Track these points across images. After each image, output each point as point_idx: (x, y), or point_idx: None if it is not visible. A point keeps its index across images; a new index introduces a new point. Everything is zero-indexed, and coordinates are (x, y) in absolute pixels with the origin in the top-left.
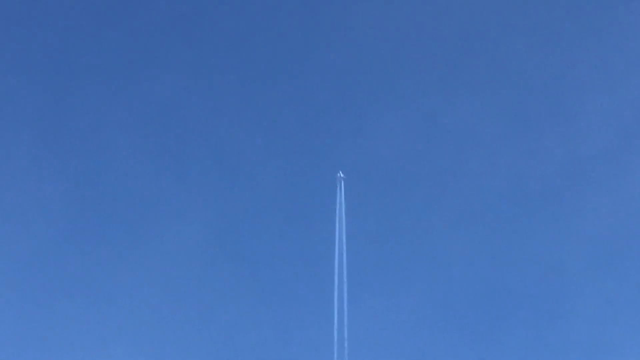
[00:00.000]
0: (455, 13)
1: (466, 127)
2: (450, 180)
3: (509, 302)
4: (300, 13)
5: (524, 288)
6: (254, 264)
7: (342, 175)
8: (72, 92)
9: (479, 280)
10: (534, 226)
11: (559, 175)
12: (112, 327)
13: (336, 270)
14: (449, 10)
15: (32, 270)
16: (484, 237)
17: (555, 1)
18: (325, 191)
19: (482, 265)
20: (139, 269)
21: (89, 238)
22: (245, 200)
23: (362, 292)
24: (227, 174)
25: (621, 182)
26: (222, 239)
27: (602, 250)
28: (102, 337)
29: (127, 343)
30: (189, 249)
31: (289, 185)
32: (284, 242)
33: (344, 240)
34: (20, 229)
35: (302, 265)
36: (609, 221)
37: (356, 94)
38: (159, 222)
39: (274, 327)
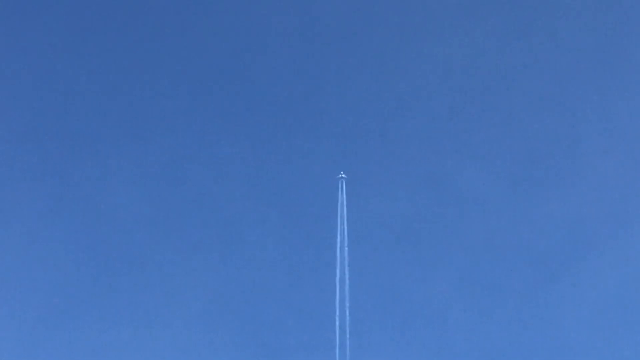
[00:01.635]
0: (463, 82)
1: (471, 190)
2: (454, 241)
3: None
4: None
5: (524, 351)
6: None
7: (343, 175)
8: (81, 162)
9: (479, 345)
10: (536, 289)
11: (562, 238)
12: None
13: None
14: (457, 79)
15: (33, 344)
16: (487, 300)
17: (556, 74)
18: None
19: (483, 328)
20: (146, 340)
21: (94, 308)
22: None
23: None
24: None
25: (623, 245)
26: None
27: (606, 313)
28: None
29: None
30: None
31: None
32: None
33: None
34: (22, 298)
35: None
36: (611, 283)
37: (365, 161)
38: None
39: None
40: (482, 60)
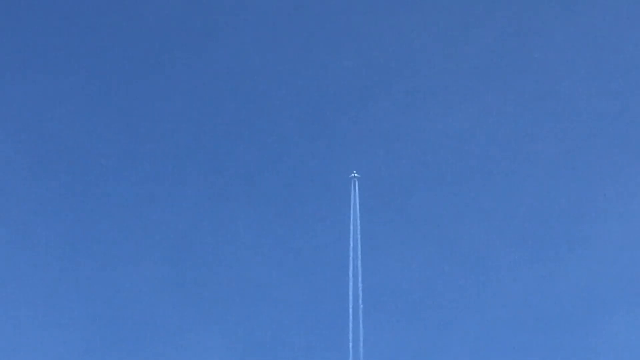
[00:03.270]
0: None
1: (483, 254)
2: (466, 304)
3: None
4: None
5: None
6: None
7: (356, 174)
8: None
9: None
10: (549, 352)
11: (575, 301)
12: None
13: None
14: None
15: (33, 343)
16: None
17: (566, 139)
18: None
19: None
20: (146, 340)
21: (94, 308)
22: None
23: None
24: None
25: (636, 309)
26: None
27: None
28: None
29: None
30: None
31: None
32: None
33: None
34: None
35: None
36: (625, 346)
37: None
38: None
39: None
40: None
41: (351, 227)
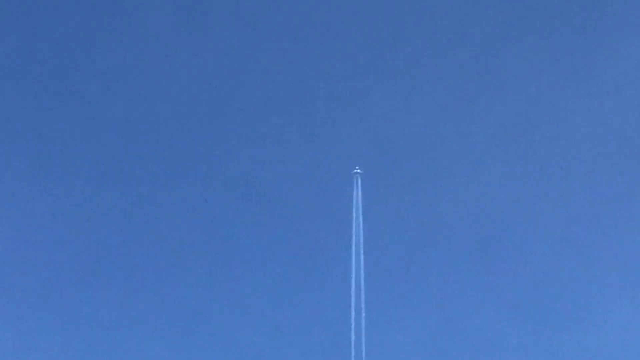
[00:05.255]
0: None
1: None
2: (470, 304)
3: None
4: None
5: None
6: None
7: (359, 170)
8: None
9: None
10: (550, 354)
11: (574, 300)
12: None
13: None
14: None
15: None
16: None
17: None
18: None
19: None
20: (147, 339)
21: (94, 308)
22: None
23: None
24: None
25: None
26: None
27: None
28: None
29: None
30: None
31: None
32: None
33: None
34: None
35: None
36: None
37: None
38: None
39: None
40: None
41: (354, 224)
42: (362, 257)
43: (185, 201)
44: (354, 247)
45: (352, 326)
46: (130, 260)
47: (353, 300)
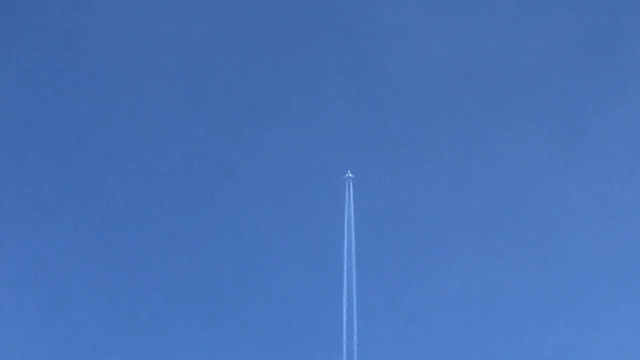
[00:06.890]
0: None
1: (480, 254)
2: (463, 305)
3: None
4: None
5: None
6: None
7: (350, 174)
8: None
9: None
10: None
11: (574, 300)
12: None
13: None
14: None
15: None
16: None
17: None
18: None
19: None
20: (147, 339)
21: (93, 308)
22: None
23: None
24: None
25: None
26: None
27: None
28: None
29: None
30: None
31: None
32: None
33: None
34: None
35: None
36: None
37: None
38: None
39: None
40: None
41: (345, 228)
42: (353, 260)
43: (178, 208)
44: (345, 251)
45: (344, 329)
46: (130, 260)
47: (345, 302)
